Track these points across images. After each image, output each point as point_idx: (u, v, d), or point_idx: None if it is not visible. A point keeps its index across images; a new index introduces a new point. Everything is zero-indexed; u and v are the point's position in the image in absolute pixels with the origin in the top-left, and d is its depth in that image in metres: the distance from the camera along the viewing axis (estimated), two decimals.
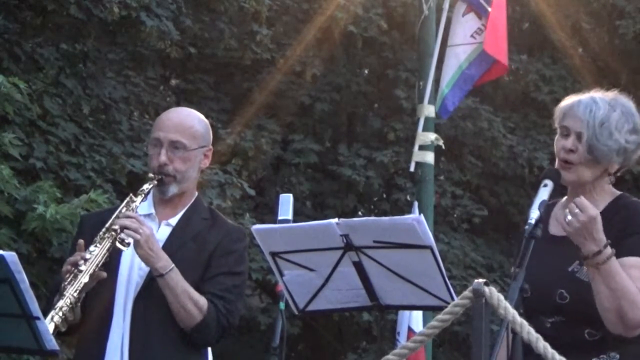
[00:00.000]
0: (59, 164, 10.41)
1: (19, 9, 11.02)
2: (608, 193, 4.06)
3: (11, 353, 4.18)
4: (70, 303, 4.17)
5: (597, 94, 4.06)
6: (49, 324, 3.99)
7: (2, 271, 3.67)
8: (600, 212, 3.91)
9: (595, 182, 4.03)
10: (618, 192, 4.08)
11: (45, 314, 3.97)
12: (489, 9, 8.22)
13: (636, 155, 4.06)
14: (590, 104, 4.00)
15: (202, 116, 4.66)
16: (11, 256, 3.67)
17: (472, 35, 8.34)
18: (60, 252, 8.87)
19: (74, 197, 9.39)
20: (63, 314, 4.13)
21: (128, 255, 4.38)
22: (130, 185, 10.46)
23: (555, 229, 3.98)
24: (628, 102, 4.06)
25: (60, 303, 4.14)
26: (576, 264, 3.95)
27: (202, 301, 4.35)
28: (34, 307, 3.76)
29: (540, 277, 3.91)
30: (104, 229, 4.34)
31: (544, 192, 3.80)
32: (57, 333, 4.13)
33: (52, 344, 3.85)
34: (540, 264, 3.88)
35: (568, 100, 4.10)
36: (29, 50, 10.95)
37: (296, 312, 3.98)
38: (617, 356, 3.92)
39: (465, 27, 8.39)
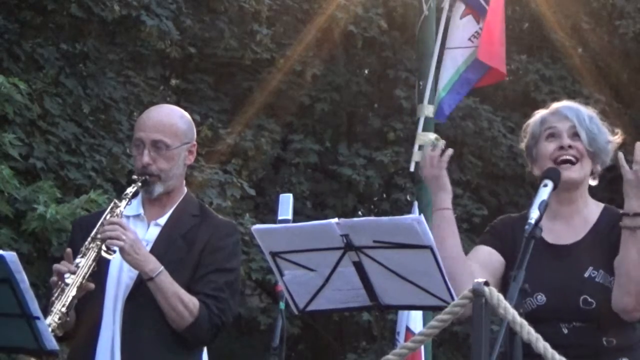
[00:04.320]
0: (59, 164, 10.41)
1: (19, 9, 11.02)
2: (593, 202, 4.15)
3: (11, 353, 4.17)
4: (59, 319, 4.13)
5: (567, 102, 4.20)
6: None
7: (2, 271, 3.67)
8: (595, 223, 4.05)
9: (585, 185, 4.10)
10: (600, 203, 4.17)
11: (44, 314, 3.97)
12: (487, 7, 8.20)
13: (611, 155, 4.14)
14: (572, 107, 4.14)
15: (183, 112, 4.61)
16: (11, 256, 3.67)
17: (469, 39, 8.32)
18: (60, 252, 8.82)
19: (74, 197, 9.40)
20: (52, 331, 4.10)
21: (117, 258, 4.33)
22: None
23: (553, 238, 3.98)
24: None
25: (48, 320, 4.08)
26: (590, 269, 3.99)
27: (193, 302, 4.31)
28: (34, 307, 3.75)
29: (557, 285, 3.95)
30: (89, 239, 4.30)
31: (544, 192, 3.81)
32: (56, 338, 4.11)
33: (52, 344, 3.85)
34: (551, 272, 3.94)
35: (540, 113, 4.21)
36: (29, 50, 10.96)
37: (296, 312, 3.97)
38: None
39: (463, 30, 8.37)
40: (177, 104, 11.89)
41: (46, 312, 4.17)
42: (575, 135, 4.06)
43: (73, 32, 11.36)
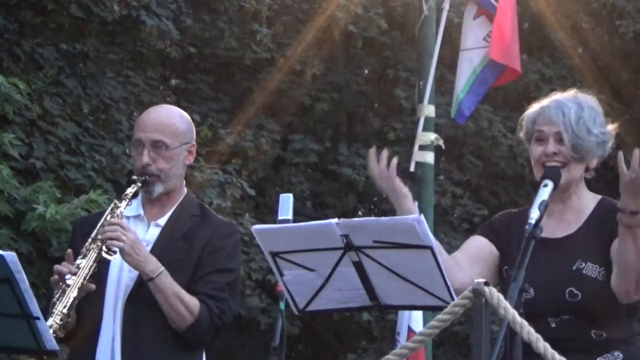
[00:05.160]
0: (59, 164, 10.41)
1: (19, 9, 11.02)
2: (589, 195, 4.15)
3: (11, 353, 4.18)
4: (61, 320, 4.15)
5: (560, 96, 4.14)
6: None
7: (2, 271, 3.68)
8: (589, 216, 4.07)
9: (578, 182, 4.10)
10: (598, 195, 4.16)
11: (44, 315, 3.97)
12: (496, 4, 8.21)
13: (609, 146, 4.12)
14: (560, 106, 4.07)
15: (183, 113, 4.62)
16: (11, 256, 3.68)
17: (484, 39, 8.33)
18: (60, 252, 8.85)
19: (74, 197, 9.40)
20: (54, 332, 4.10)
21: (118, 258, 4.34)
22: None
23: (546, 232, 3.95)
24: (590, 98, 4.14)
25: (50, 321, 4.10)
26: (579, 261, 4.00)
27: (194, 303, 4.32)
28: (34, 307, 3.76)
29: (544, 278, 3.96)
30: (89, 240, 4.31)
31: (544, 192, 3.81)
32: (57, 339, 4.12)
33: (52, 344, 3.85)
34: (540, 266, 3.92)
35: (533, 108, 4.18)
36: (29, 50, 10.95)
37: (296, 312, 3.97)
38: (621, 355, 3.97)
39: (477, 30, 8.38)
40: (177, 104, 11.91)
41: (47, 313, 4.18)
42: (561, 139, 4.03)
43: (73, 32, 11.36)
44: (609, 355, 3.96)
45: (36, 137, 10.35)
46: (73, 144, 10.65)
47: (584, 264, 3.98)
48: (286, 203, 4.47)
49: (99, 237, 4.30)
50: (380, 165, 4.10)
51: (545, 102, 4.14)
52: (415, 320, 8.00)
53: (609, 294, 3.95)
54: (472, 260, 4.13)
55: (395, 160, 4.11)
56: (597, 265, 3.98)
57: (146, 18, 11.20)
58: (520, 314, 3.35)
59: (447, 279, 3.77)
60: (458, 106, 8.41)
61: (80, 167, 10.54)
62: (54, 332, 4.09)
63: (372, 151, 4.11)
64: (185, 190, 4.60)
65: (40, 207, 8.61)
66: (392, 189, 4.10)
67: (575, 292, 3.95)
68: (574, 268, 3.99)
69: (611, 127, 4.12)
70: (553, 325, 3.95)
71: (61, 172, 10.38)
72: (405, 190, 4.11)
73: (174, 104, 12.38)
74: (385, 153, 4.13)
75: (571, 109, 4.05)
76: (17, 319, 3.77)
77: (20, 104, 9.35)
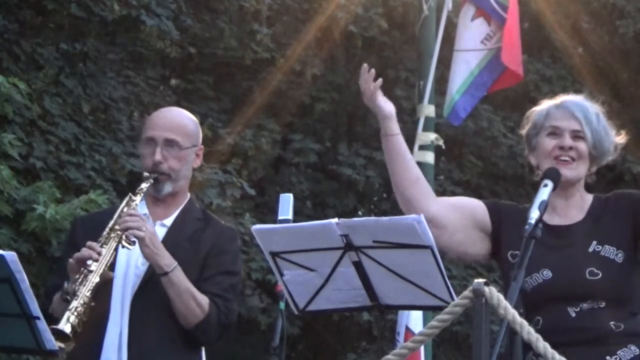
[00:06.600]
0: (59, 164, 10.41)
1: (19, 9, 11.02)
2: (586, 194, 4.18)
3: (11, 353, 4.18)
4: (84, 303, 4.18)
5: (573, 96, 4.19)
6: (65, 325, 4.02)
7: (2, 271, 3.68)
8: (589, 208, 4.09)
9: (579, 183, 4.13)
10: (590, 194, 4.20)
11: (46, 306, 3.99)
12: (505, 15, 8.16)
13: (613, 152, 4.17)
14: (581, 104, 4.12)
15: (192, 115, 4.67)
16: (11, 256, 3.68)
17: (482, 41, 8.30)
18: (60, 252, 8.88)
19: (74, 196, 9.40)
20: (79, 314, 4.13)
21: (124, 255, 4.39)
22: (130, 185, 10.46)
23: (554, 220, 4.01)
24: (599, 106, 4.20)
25: (75, 303, 4.15)
26: (595, 244, 4.00)
27: (204, 300, 4.37)
28: (34, 307, 3.76)
29: (562, 260, 3.96)
30: (107, 229, 4.34)
31: (544, 192, 3.81)
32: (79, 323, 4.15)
33: (52, 343, 3.86)
34: (555, 249, 3.96)
35: (545, 104, 4.19)
36: (28, 50, 10.95)
37: (296, 312, 3.98)
38: (638, 350, 3.95)
39: (474, 32, 8.34)
40: (177, 104, 11.91)
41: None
42: (577, 136, 4.06)
43: (73, 32, 11.35)
44: (626, 348, 3.95)
45: (36, 137, 10.35)
46: (73, 144, 10.65)
47: (600, 247, 3.99)
48: (286, 203, 4.48)
49: (118, 227, 4.32)
50: (367, 81, 4.10)
51: (559, 100, 4.17)
52: (414, 320, 8.00)
53: (627, 276, 3.96)
54: (456, 206, 4.15)
55: (379, 81, 4.12)
56: (614, 248, 3.98)
57: (146, 18, 11.20)
58: (520, 314, 3.36)
59: (447, 279, 3.77)
60: (452, 107, 8.38)
61: (80, 167, 10.54)
62: (79, 314, 4.12)
63: (365, 66, 4.11)
64: (189, 194, 4.66)
65: (40, 207, 8.60)
66: (374, 108, 4.14)
67: (596, 271, 3.94)
68: (590, 250, 3.99)
69: (619, 138, 4.16)
70: (573, 315, 3.93)
71: (61, 172, 10.37)
72: (387, 109, 4.15)
73: (174, 104, 12.40)
74: (370, 70, 4.12)
75: (591, 109, 4.10)
76: (17, 318, 3.78)
77: (20, 104, 9.34)
